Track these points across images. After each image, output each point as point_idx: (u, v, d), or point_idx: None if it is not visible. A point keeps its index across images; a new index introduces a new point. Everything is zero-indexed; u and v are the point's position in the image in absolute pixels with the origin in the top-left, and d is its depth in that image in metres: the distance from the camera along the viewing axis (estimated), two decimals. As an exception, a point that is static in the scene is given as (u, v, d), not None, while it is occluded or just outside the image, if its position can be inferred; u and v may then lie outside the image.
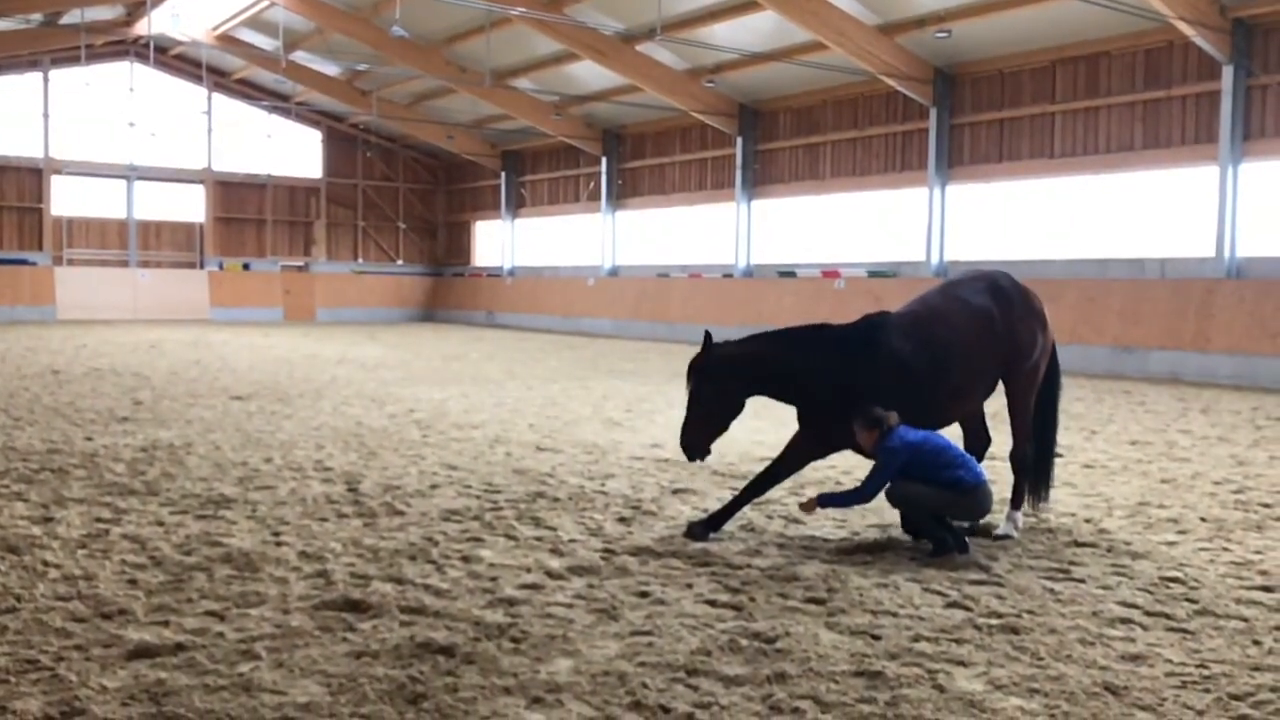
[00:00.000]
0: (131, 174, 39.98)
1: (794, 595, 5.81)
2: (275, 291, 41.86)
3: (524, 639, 5.04)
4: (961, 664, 4.82)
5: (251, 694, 4.34)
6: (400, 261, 45.39)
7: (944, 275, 24.66)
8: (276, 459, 9.96)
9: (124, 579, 5.93)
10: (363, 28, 31.92)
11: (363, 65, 34.74)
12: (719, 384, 7.04)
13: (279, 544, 6.78)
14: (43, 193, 38.56)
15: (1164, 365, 20.50)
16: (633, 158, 35.69)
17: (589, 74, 31.31)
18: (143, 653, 4.77)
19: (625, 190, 35.99)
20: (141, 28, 35.49)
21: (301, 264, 43.36)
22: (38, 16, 34.30)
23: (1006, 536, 7.20)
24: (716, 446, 7.34)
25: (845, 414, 6.86)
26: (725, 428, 7.19)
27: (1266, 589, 6.07)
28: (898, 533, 7.22)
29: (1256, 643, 5.15)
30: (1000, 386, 7.68)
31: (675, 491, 8.72)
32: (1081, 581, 6.18)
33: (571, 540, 7.02)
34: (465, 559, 6.50)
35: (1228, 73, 20.35)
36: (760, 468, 8.30)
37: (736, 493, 7.57)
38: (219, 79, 40.33)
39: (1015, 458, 7.65)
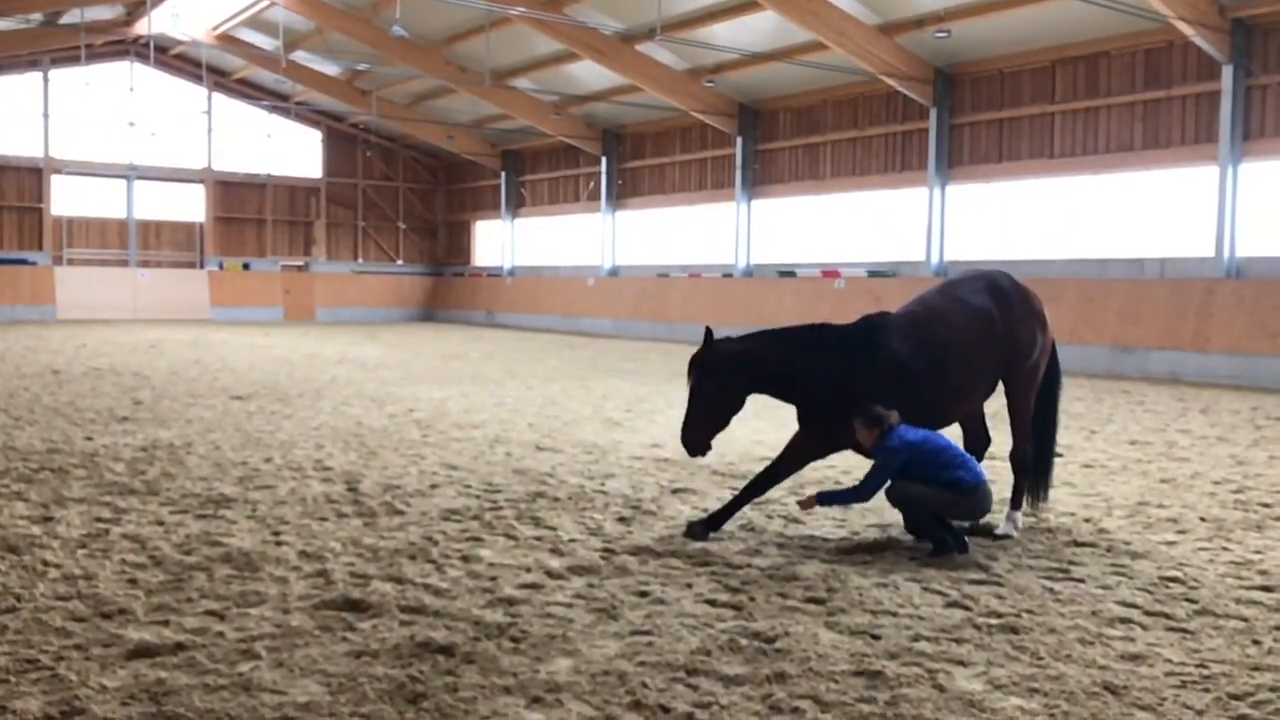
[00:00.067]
0: (131, 174, 39.97)
1: (794, 595, 5.81)
2: (275, 291, 41.87)
3: (524, 638, 5.04)
4: (961, 663, 4.82)
5: (251, 693, 4.34)
6: (400, 261, 45.39)
7: (944, 275, 24.66)
8: (276, 459, 9.96)
9: (124, 578, 5.93)
10: (362, 27, 31.92)
11: (363, 65, 34.74)
12: (720, 380, 7.04)
13: (279, 544, 6.78)
14: (43, 192, 38.56)
15: (1163, 365, 20.51)
16: (632, 157, 35.69)
17: (589, 74, 31.31)
18: (143, 652, 4.78)
19: (625, 190, 35.99)
20: (141, 27, 35.50)
21: (301, 264, 43.37)
22: (38, 16, 34.30)
23: (1006, 536, 7.20)
24: (716, 446, 7.35)
25: (845, 414, 6.87)
26: (726, 424, 7.20)
27: (1266, 589, 6.07)
28: (897, 532, 7.22)
29: (1256, 642, 5.15)
30: (1000, 386, 7.69)
31: (675, 491, 8.72)
32: (1081, 581, 6.18)
33: (571, 540, 7.02)
34: (465, 558, 6.50)
35: (1227, 73, 20.35)
36: (760, 468, 8.31)
37: (736, 492, 7.58)
38: (219, 79, 40.33)
39: (1015, 457, 7.65)
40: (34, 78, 38.20)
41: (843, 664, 4.77)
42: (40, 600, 5.50)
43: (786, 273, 29.71)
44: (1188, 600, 5.83)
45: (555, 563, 6.43)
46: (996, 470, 8.64)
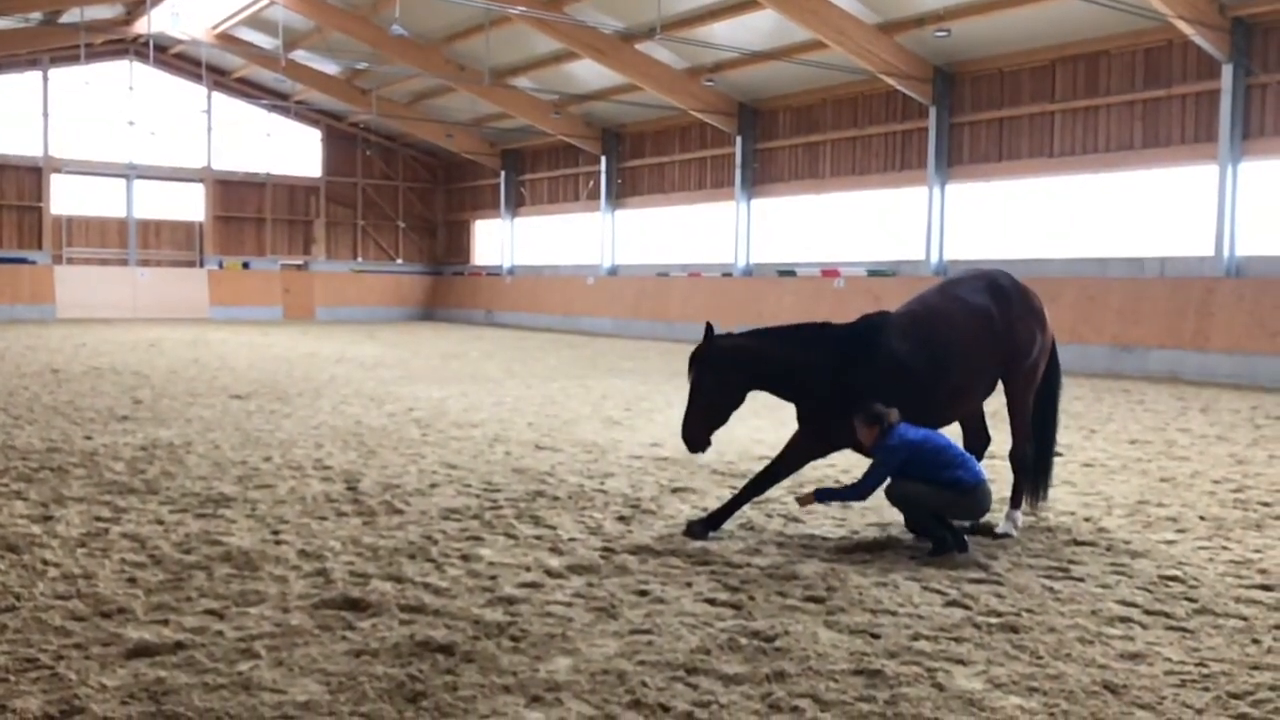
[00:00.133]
0: (131, 173, 39.96)
1: (793, 594, 5.81)
2: (275, 290, 41.86)
3: (523, 637, 5.04)
4: (961, 662, 4.82)
5: (251, 692, 4.34)
6: (399, 260, 45.38)
7: (943, 274, 24.67)
8: (276, 458, 9.96)
9: (123, 577, 5.93)
10: (362, 26, 31.91)
11: (362, 64, 34.72)
12: (721, 375, 7.05)
13: (278, 543, 6.78)
14: (42, 191, 38.55)
15: (1163, 364, 20.51)
16: (632, 157, 35.68)
17: (588, 73, 31.30)
18: (142, 651, 4.77)
19: (625, 189, 35.98)
20: (141, 26, 35.49)
21: (301, 263, 43.36)
22: (37, 15, 34.29)
23: (1006, 535, 7.20)
24: (716, 445, 7.35)
25: (844, 413, 6.87)
26: (725, 420, 7.21)
27: (1265, 587, 6.07)
28: (897, 531, 7.22)
29: (1255, 641, 5.15)
30: (1000, 385, 7.69)
31: (674, 490, 8.72)
32: (1081, 580, 6.18)
33: (571, 539, 7.02)
34: (465, 557, 6.50)
35: (1227, 72, 20.36)
36: (760, 466, 8.31)
37: (736, 491, 7.58)
38: (218, 78, 40.32)
39: (1015, 457, 7.65)
40: (34, 77, 38.20)
41: (842, 663, 4.77)
42: (40, 599, 5.49)
43: (786, 272, 29.71)
44: (1187, 599, 5.83)
45: (555, 562, 6.43)
46: (996, 469, 8.64)
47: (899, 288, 23.89)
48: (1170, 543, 7.14)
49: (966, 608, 5.61)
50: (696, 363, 7.10)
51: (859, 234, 28.48)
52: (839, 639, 5.10)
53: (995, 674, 4.67)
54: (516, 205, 41.65)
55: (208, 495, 8.21)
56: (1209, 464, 10.36)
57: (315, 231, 43.78)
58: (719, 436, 7.29)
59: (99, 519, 7.34)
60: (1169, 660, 4.88)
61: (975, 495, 6.72)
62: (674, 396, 15.04)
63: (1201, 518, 7.93)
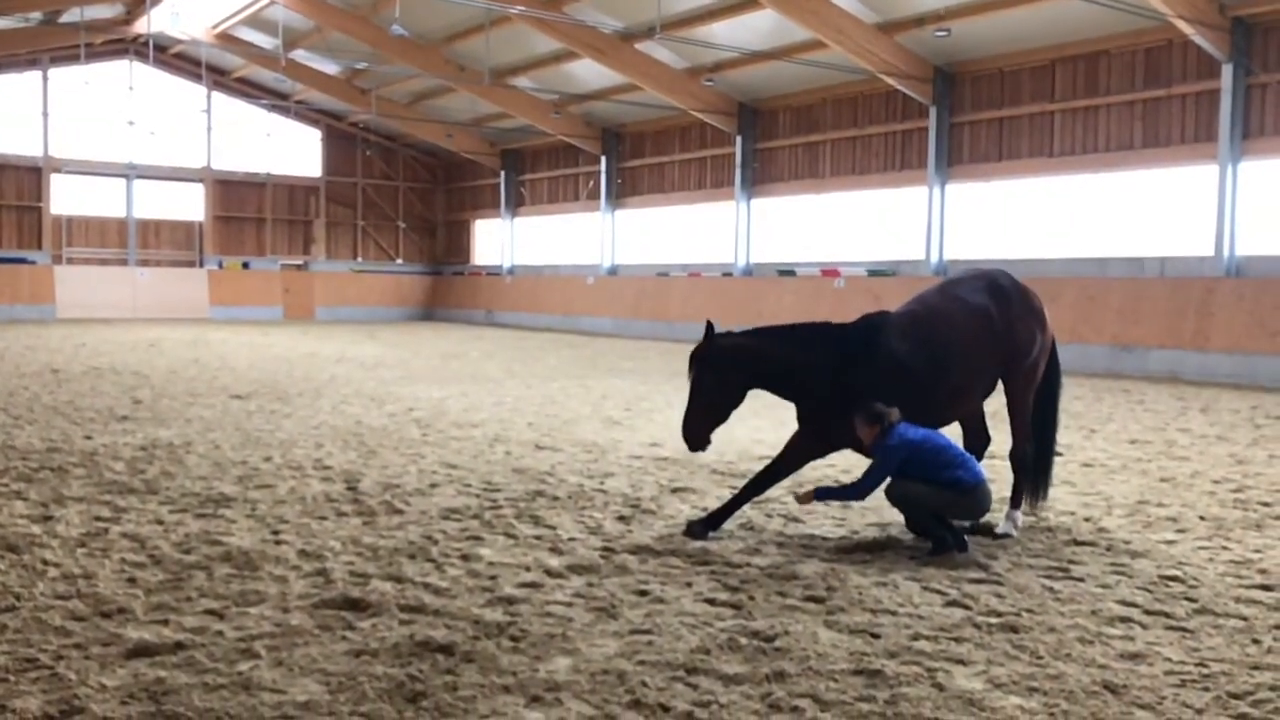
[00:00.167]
0: (131, 173, 39.96)
1: (793, 594, 5.81)
2: (275, 290, 41.86)
3: (523, 637, 5.04)
4: (961, 662, 4.82)
5: (251, 692, 4.34)
6: (399, 260, 45.38)
7: (943, 274, 24.67)
8: (276, 458, 9.96)
9: (123, 577, 5.93)
10: (362, 26, 31.91)
11: (362, 64, 34.72)
12: (721, 374, 7.05)
13: (278, 543, 6.78)
14: (42, 191, 38.55)
15: (1163, 364, 20.51)
16: (632, 156, 35.68)
17: (588, 72, 31.30)
18: (142, 651, 4.77)
19: (624, 189, 35.98)
20: (141, 26, 35.48)
21: (301, 263, 43.36)
22: (37, 15, 34.28)
23: (1006, 535, 7.20)
24: (716, 445, 7.34)
25: (844, 413, 6.87)
26: (726, 418, 7.21)
27: (1265, 587, 6.07)
28: (897, 531, 7.22)
29: (1255, 641, 5.15)
30: (1000, 385, 7.69)
31: (674, 490, 8.72)
32: (1081, 580, 6.18)
33: (571, 539, 7.02)
34: (465, 557, 6.50)
35: (1227, 71, 20.36)
36: (760, 466, 8.31)
37: (736, 491, 7.58)
38: (218, 77, 40.32)
39: (1015, 457, 7.65)
40: (33, 76, 38.20)
41: (842, 663, 4.77)
42: (40, 599, 5.49)
43: (786, 272, 29.71)
44: (1187, 599, 5.83)
45: (555, 561, 6.43)
46: (996, 469, 8.64)
47: (899, 288, 23.89)
48: (1170, 543, 7.14)
49: (966, 608, 5.61)
50: (697, 361, 7.11)
51: (859, 234, 28.48)
52: (839, 639, 5.10)
53: (995, 674, 4.67)
54: (516, 205, 41.65)
55: (208, 495, 8.21)
56: (1209, 464, 10.36)
57: (315, 231, 43.78)
58: (719, 436, 7.29)
59: (99, 519, 7.34)
60: (1169, 660, 4.88)
61: (975, 495, 6.72)
62: (674, 396, 15.04)
63: (1201, 518, 7.93)
